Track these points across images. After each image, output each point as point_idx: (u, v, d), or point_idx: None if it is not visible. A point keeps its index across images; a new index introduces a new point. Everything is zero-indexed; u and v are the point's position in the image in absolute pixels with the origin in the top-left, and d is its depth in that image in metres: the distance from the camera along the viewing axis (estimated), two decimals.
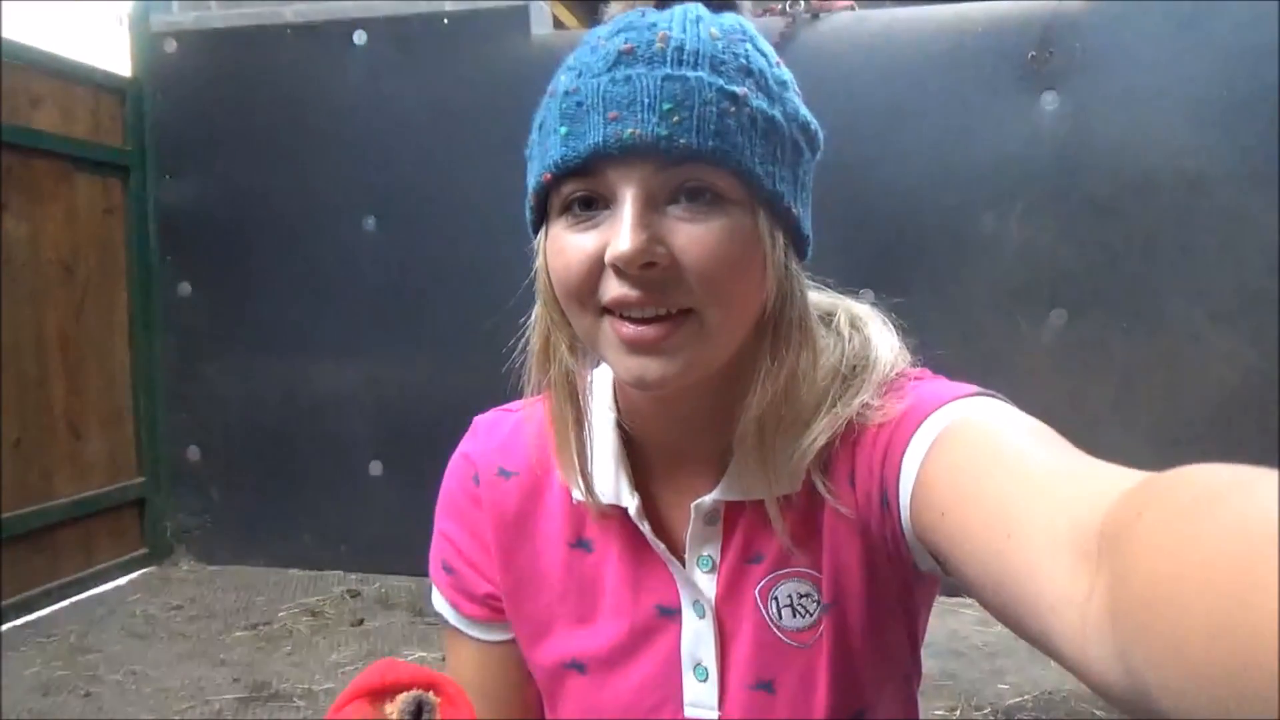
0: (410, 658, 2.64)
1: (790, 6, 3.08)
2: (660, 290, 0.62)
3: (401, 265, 3.40)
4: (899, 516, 0.66)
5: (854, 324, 0.75)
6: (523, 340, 0.73)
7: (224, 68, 3.51)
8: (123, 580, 3.41)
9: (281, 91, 3.45)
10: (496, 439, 0.82)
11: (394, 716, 0.54)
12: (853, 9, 3.15)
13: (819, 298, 0.77)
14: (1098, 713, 2.31)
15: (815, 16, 3.09)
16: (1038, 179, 2.96)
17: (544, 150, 0.65)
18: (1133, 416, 2.94)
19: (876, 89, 2.98)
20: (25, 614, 3.02)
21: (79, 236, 3.32)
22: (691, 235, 0.62)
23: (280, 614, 3.02)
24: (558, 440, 0.74)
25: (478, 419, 0.86)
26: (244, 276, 3.52)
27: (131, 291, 3.55)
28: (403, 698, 0.54)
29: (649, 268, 0.62)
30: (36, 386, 3.14)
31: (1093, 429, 2.95)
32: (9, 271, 3.01)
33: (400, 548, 3.37)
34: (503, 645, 0.84)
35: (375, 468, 3.46)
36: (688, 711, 0.75)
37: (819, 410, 0.71)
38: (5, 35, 2.98)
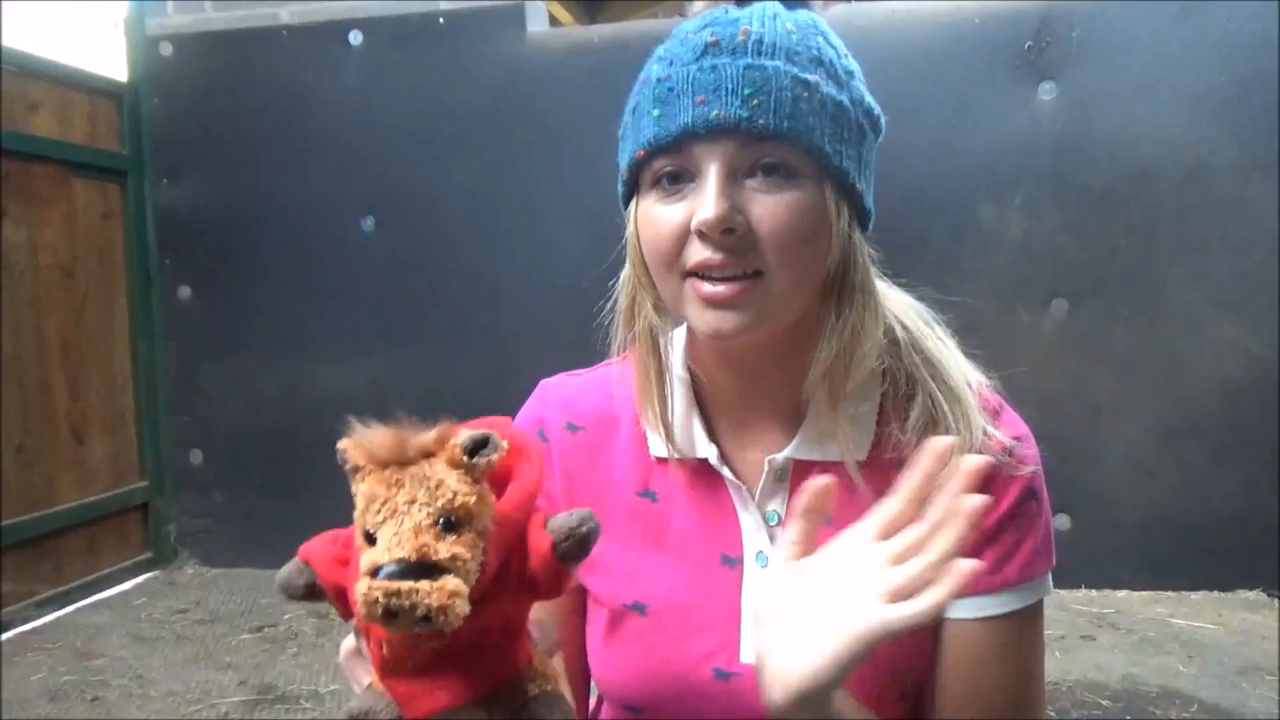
0: None
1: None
2: (737, 254, 0.70)
3: (401, 265, 3.39)
4: None
5: (905, 325, 0.81)
6: (610, 302, 0.81)
7: (220, 70, 3.50)
8: (127, 585, 3.41)
9: (278, 93, 3.45)
10: (563, 397, 0.89)
11: (457, 447, 0.51)
12: (848, 1, 3.14)
13: (881, 287, 0.82)
14: (1103, 702, 2.31)
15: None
16: (1036, 170, 2.95)
17: (638, 130, 0.73)
18: (1134, 406, 2.94)
19: (873, 83, 2.93)
20: (30, 620, 3.01)
21: (78, 241, 3.32)
22: (766, 206, 0.70)
23: (285, 616, 3.02)
24: (641, 392, 0.81)
25: (543, 381, 0.92)
26: (243, 279, 3.52)
27: (131, 296, 3.54)
28: (468, 433, 0.52)
29: (729, 234, 0.69)
30: (38, 392, 3.13)
31: (1094, 419, 2.95)
32: (8, 277, 3.01)
33: None
34: None
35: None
36: (744, 658, 0.78)
37: (877, 378, 0.79)
38: (1, 41, 2.98)
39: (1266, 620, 2.70)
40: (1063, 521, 2.90)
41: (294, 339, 3.48)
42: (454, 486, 0.50)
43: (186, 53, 3.52)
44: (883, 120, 0.78)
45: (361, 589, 0.48)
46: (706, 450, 0.81)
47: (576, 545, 0.55)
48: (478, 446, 0.51)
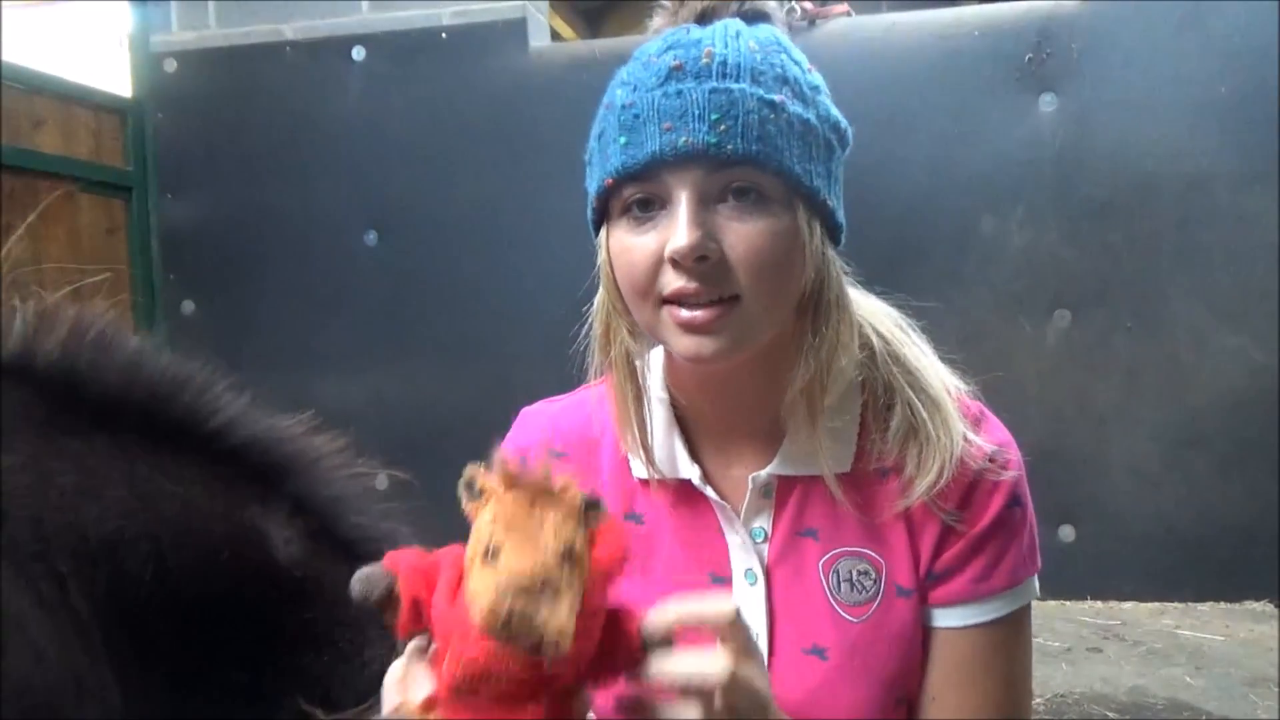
0: None
1: (786, 13, 3.08)
2: (712, 280, 0.70)
3: (404, 279, 3.40)
4: (924, 599, 0.78)
5: (883, 335, 0.81)
6: (585, 327, 0.81)
7: (224, 86, 3.52)
8: None
9: (282, 108, 3.46)
10: (544, 423, 0.89)
11: (575, 500, 0.55)
12: (849, 15, 3.15)
13: (855, 295, 0.82)
14: (1110, 715, 2.30)
15: (811, 23, 3.09)
16: (1038, 181, 2.96)
17: (605, 158, 0.72)
18: (1138, 416, 2.93)
19: (874, 94, 2.98)
20: None
21: (82, 257, 3.33)
22: (739, 232, 0.70)
23: None
24: (619, 416, 0.81)
25: (524, 410, 0.93)
26: (247, 293, 3.53)
27: (135, 311, 3.55)
28: (580, 493, 0.55)
29: (702, 261, 0.69)
30: None
31: (1098, 429, 2.95)
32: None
33: None
34: None
35: (381, 481, 3.45)
36: None
37: (856, 390, 0.79)
38: (6, 58, 2.99)
39: (1274, 631, 2.68)
40: (1067, 533, 2.89)
41: (297, 353, 3.49)
42: (574, 530, 0.54)
43: (190, 69, 3.54)
44: (849, 133, 0.78)
45: (489, 596, 0.51)
46: (689, 471, 0.81)
47: (662, 646, 0.58)
48: (592, 505, 0.56)
